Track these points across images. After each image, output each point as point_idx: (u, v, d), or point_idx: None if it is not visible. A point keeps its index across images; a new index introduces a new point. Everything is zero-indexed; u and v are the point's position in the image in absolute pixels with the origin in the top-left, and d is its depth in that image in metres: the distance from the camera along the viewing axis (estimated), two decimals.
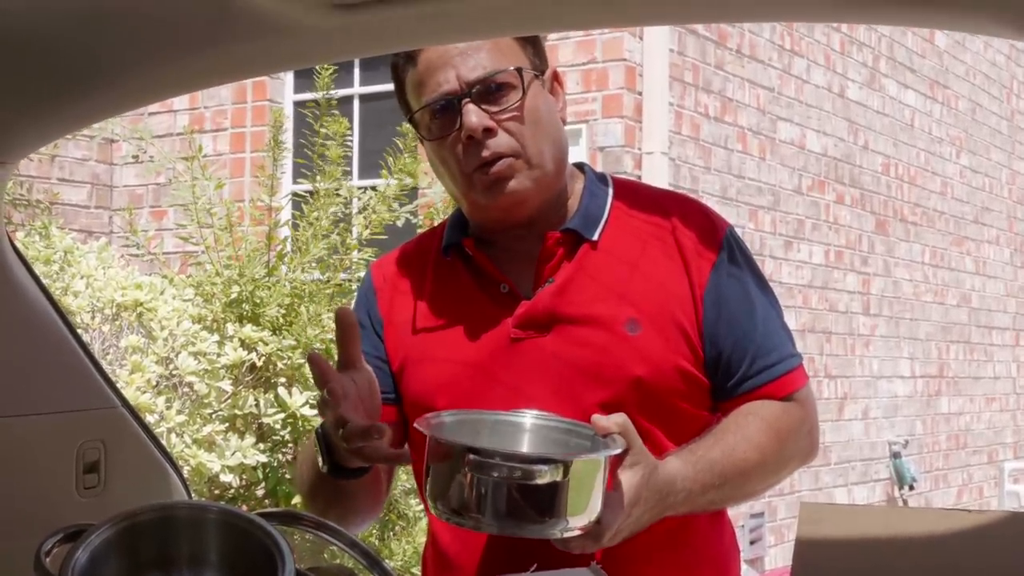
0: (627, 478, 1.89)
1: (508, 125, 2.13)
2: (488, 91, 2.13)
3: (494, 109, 2.13)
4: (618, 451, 1.85)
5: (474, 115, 2.11)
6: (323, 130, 5.84)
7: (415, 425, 1.88)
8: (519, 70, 2.14)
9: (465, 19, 1.72)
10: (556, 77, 2.26)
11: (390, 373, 2.26)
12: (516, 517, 1.77)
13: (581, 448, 1.90)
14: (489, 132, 2.12)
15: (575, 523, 1.80)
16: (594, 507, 1.81)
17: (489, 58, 2.13)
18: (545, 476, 1.74)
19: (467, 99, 2.12)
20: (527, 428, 1.96)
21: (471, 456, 1.75)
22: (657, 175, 7.36)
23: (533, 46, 2.20)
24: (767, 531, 8.48)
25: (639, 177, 7.30)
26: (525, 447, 1.94)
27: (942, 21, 1.63)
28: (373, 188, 5.98)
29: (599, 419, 1.89)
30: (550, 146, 2.17)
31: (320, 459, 2.06)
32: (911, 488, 10.36)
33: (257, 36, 1.73)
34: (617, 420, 1.89)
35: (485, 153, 2.12)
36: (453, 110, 2.13)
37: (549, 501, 1.76)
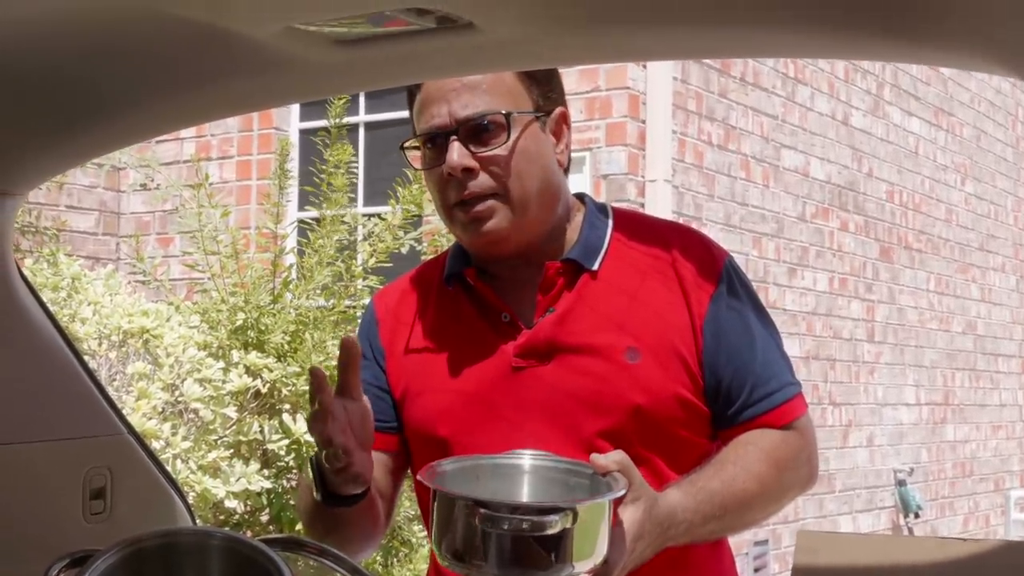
0: (629, 514, 1.90)
1: (491, 166, 2.15)
2: (476, 130, 2.15)
3: (479, 149, 2.15)
4: (621, 493, 1.85)
5: (456, 153, 2.14)
6: (331, 158, 5.87)
7: (418, 478, 1.89)
8: (508, 114, 2.16)
9: (463, 54, 1.74)
10: (563, 118, 2.27)
11: (392, 403, 2.29)
12: (523, 565, 1.77)
13: (581, 487, 1.89)
14: (469, 172, 2.15)
15: (581, 567, 1.79)
16: (600, 549, 1.81)
17: (484, 97, 2.16)
18: (555, 526, 1.73)
19: (454, 136, 2.15)
20: (527, 471, 1.96)
21: (481, 510, 1.74)
22: (660, 203, 7.38)
23: (542, 86, 2.22)
24: (771, 559, 8.47)
25: (642, 205, 7.32)
26: (526, 491, 1.94)
27: (937, 58, 1.65)
28: (379, 216, 6.01)
29: (598, 458, 1.89)
30: (537, 188, 2.19)
31: (314, 488, 2.08)
32: (916, 516, 10.34)
33: (260, 72, 1.76)
34: (615, 458, 1.89)
35: (465, 192, 2.15)
36: (441, 145, 2.16)
37: (556, 549, 1.76)
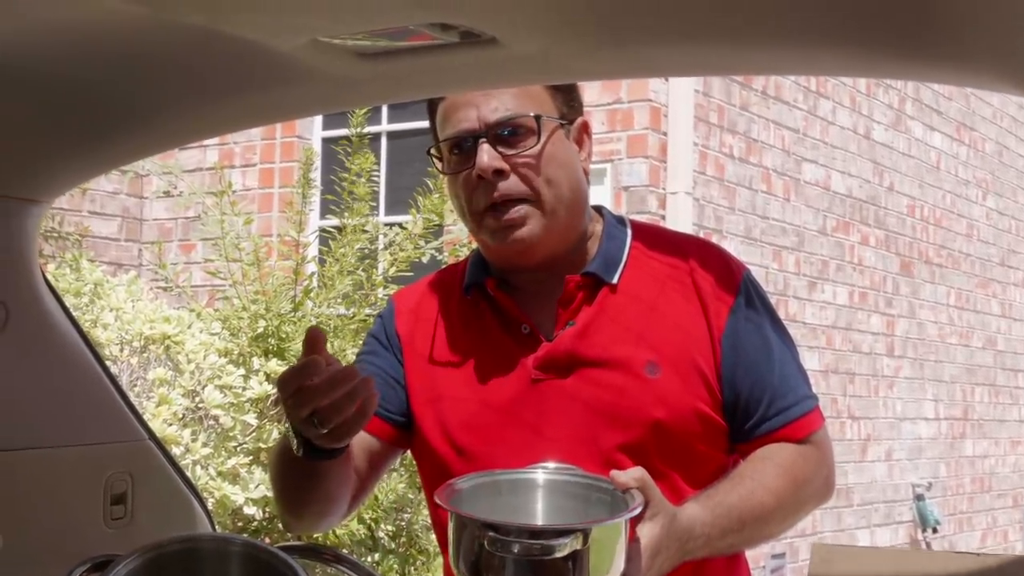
0: (648, 530, 1.89)
1: (522, 169, 2.15)
2: (505, 133, 2.15)
3: (509, 152, 2.15)
4: (637, 512, 1.84)
5: (487, 155, 2.14)
6: (353, 167, 5.89)
7: (435, 499, 1.88)
8: (538, 117, 2.17)
9: (485, 69, 1.76)
10: (585, 128, 2.28)
11: (402, 395, 2.27)
12: None
13: (602, 502, 1.89)
14: (500, 174, 2.14)
15: None
16: (617, 566, 1.80)
17: (512, 101, 2.16)
18: (564, 548, 1.73)
19: (483, 139, 2.15)
20: (545, 486, 1.94)
21: (490, 533, 1.74)
22: (681, 215, 7.38)
23: (565, 94, 2.23)
24: (789, 571, 8.46)
25: (663, 217, 7.33)
26: (544, 507, 1.93)
27: (952, 77, 1.66)
28: (400, 225, 6.02)
29: (618, 475, 1.88)
30: (565, 194, 2.19)
31: (294, 444, 2.00)
32: (934, 531, 10.31)
33: (285, 84, 1.78)
34: (635, 475, 1.88)
35: (495, 194, 2.15)
36: (470, 148, 2.16)
37: (571, 567, 1.75)
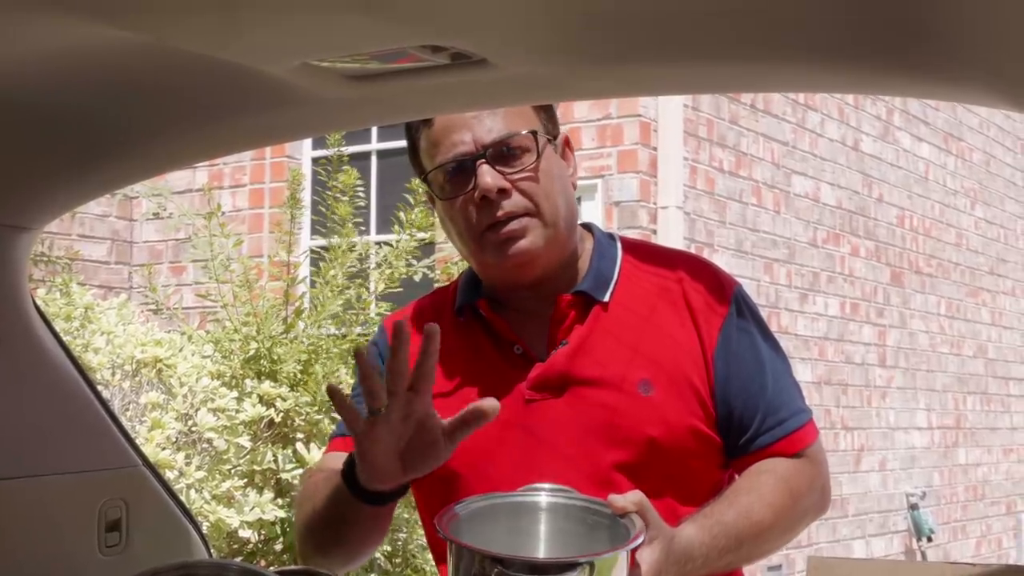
0: (647, 555, 1.88)
1: (522, 186, 2.15)
2: (503, 153, 2.15)
3: (508, 170, 2.15)
4: (640, 541, 1.82)
5: (489, 176, 2.13)
6: (336, 186, 5.89)
7: (436, 528, 1.86)
8: (534, 133, 2.17)
9: (476, 90, 1.76)
10: (567, 143, 2.28)
11: None
12: None
13: (600, 526, 1.87)
14: (503, 193, 2.14)
15: None
16: None
17: (504, 121, 2.16)
18: None
19: (482, 160, 2.14)
20: (546, 510, 1.92)
21: (496, 569, 1.72)
22: (672, 229, 7.39)
23: (546, 111, 2.23)
24: None
25: (654, 231, 7.34)
26: (544, 531, 1.91)
27: (946, 93, 1.66)
28: (389, 244, 6.01)
29: (616, 499, 1.87)
30: (563, 208, 2.19)
31: (350, 489, 2.01)
32: (929, 540, 10.32)
33: (275, 107, 1.77)
34: (633, 499, 1.87)
35: (499, 213, 2.14)
36: (467, 171, 2.15)
37: None
